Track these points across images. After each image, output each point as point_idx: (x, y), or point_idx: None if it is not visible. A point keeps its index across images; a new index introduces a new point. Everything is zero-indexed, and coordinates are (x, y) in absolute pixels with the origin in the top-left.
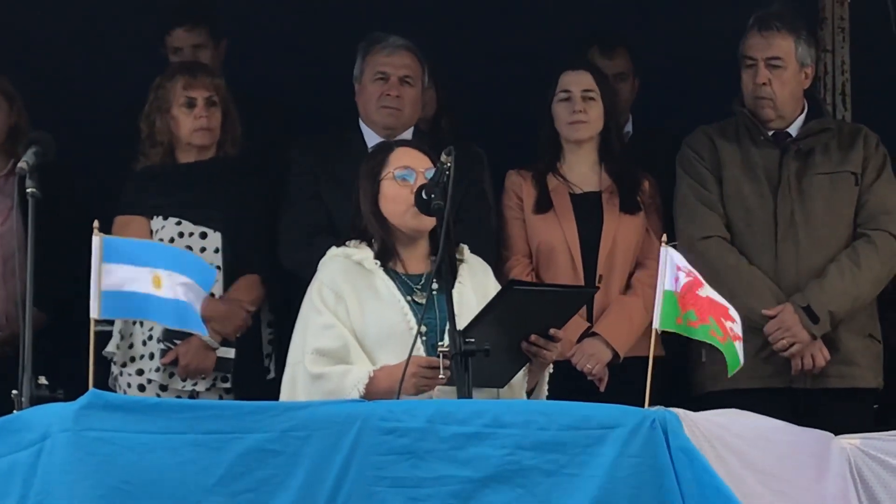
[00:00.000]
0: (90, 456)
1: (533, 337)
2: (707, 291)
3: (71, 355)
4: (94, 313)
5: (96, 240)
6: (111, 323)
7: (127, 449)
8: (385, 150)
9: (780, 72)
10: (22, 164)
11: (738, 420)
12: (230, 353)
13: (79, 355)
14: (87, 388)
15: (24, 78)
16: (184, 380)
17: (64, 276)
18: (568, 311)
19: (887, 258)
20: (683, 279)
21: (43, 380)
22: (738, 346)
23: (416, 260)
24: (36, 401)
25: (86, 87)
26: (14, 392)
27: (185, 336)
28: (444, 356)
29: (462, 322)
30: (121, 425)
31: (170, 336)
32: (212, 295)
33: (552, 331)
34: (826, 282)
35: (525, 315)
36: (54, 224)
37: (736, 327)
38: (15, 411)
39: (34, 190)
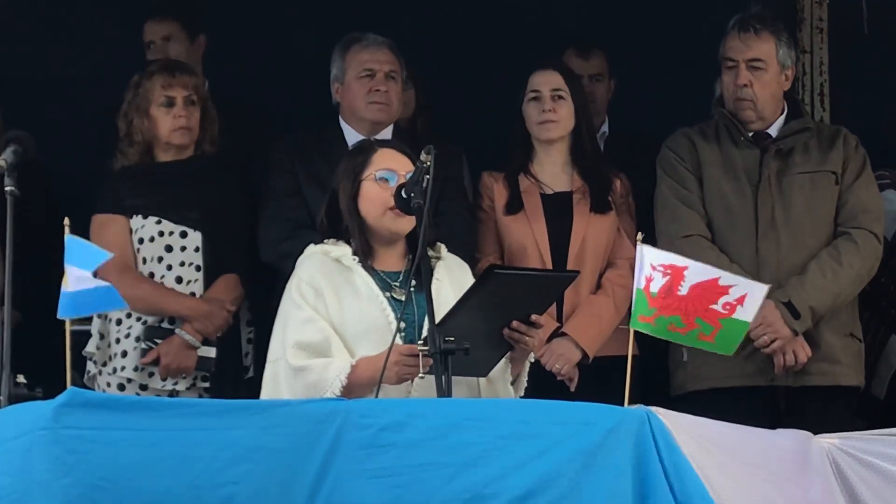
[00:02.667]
0: (69, 454)
1: (514, 323)
2: (690, 280)
3: (49, 354)
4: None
5: (66, 239)
6: (88, 322)
7: (106, 446)
8: (367, 150)
9: (761, 73)
10: (0, 163)
11: (716, 421)
12: (211, 352)
13: (57, 354)
14: (64, 387)
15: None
16: (164, 379)
17: (40, 275)
18: (549, 297)
19: (868, 256)
20: (661, 280)
21: (21, 378)
22: (741, 311)
23: (393, 257)
24: (14, 399)
25: (64, 85)
26: None
27: (166, 335)
28: (424, 355)
29: (440, 318)
30: (99, 423)
31: (150, 335)
32: (192, 294)
33: (533, 317)
34: (807, 278)
35: (506, 300)
36: (30, 222)
37: (732, 295)
38: None
39: (13, 188)
